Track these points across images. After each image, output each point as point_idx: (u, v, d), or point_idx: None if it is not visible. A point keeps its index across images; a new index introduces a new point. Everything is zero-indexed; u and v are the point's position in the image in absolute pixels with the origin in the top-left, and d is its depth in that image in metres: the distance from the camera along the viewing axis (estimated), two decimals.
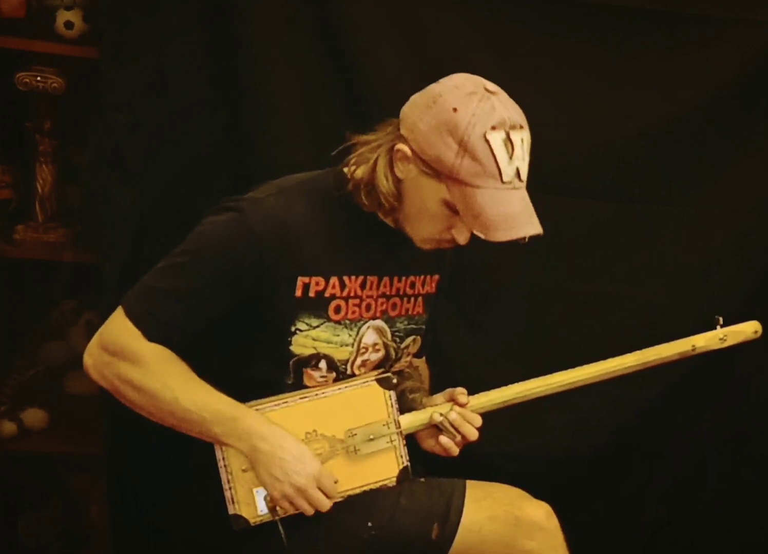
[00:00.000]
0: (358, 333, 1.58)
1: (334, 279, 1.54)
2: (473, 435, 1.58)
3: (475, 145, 1.39)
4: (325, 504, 1.48)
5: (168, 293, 1.49)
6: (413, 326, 1.67)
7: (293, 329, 1.52)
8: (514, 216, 1.43)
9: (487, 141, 1.39)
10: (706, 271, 2.08)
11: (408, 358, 1.70)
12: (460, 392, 1.60)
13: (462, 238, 1.48)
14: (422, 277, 1.67)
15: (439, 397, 1.63)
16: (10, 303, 2.23)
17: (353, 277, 1.56)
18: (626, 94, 1.96)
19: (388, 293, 1.61)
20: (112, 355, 1.48)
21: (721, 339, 1.70)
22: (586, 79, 1.95)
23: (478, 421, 1.59)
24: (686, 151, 2.00)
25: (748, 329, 1.72)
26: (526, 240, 1.44)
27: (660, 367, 1.70)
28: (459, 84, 1.46)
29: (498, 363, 2.03)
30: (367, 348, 1.60)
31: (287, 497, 1.46)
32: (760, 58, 1.94)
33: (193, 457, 1.61)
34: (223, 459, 1.49)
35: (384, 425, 1.56)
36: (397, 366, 1.68)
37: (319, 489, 1.47)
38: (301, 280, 1.51)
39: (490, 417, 1.61)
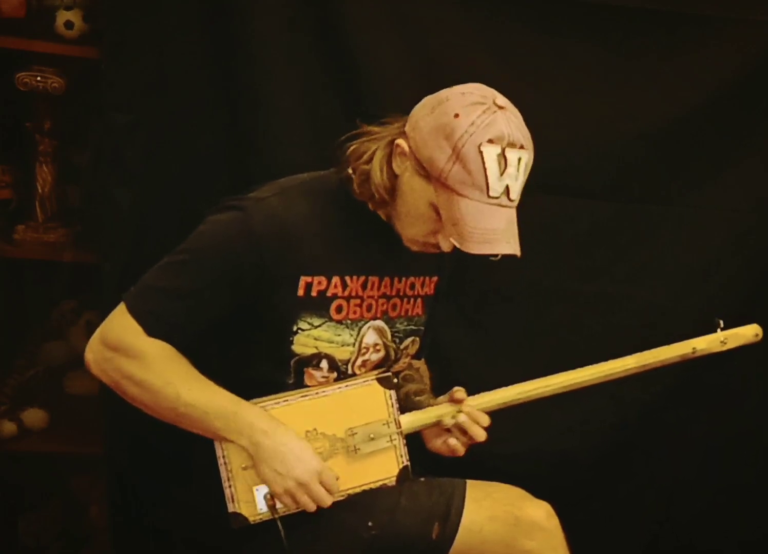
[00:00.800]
0: (359, 333, 1.58)
1: (336, 279, 1.54)
2: (481, 436, 1.58)
3: (467, 153, 1.39)
4: (327, 500, 1.48)
5: (169, 292, 1.49)
6: (412, 327, 1.67)
7: (295, 329, 1.52)
8: (492, 231, 1.42)
9: (480, 152, 1.39)
10: (706, 271, 2.08)
11: (407, 359, 1.71)
12: (457, 389, 1.61)
13: (445, 245, 1.48)
14: (422, 278, 1.67)
15: (442, 399, 1.63)
16: (10, 303, 2.23)
17: (355, 277, 1.56)
18: (626, 94, 1.96)
19: (388, 293, 1.61)
20: (113, 351, 1.48)
21: (721, 342, 1.70)
22: (586, 79, 1.95)
23: (486, 421, 1.59)
24: (686, 151, 2.00)
25: (748, 332, 1.72)
26: (498, 258, 1.43)
27: (660, 367, 1.70)
28: (467, 92, 1.45)
29: (498, 363, 2.03)
30: (368, 349, 1.60)
31: (288, 492, 1.46)
32: (760, 58, 1.94)
33: (193, 457, 1.61)
34: (224, 456, 1.48)
35: (384, 424, 1.56)
36: (396, 367, 1.68)
37: (321, 484, 1.47)
38: (303, 280, 1.51)
39: (490, 417, 1.61)
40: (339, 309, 1.56)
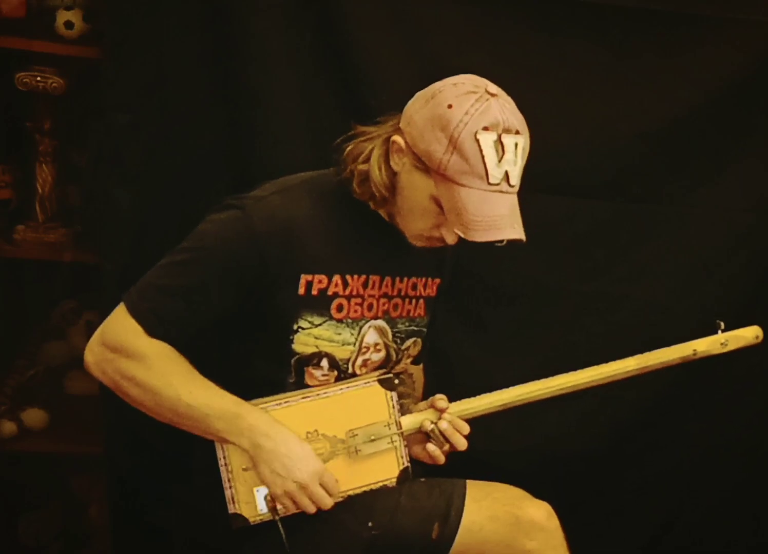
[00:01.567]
0: (359, 332, 1.58)
1: (336, 278, 1.54)
2: (462, 445, 1.57)
3: (464, 142, 1.39)
4: (327, 502, 1.48)
5: (169, 291, 1.49)
6: (414, 328, 1.67)
7: (295, 327, 1.52)
8: (496, 218, 1.42)
9: (477, 140, 1.39)
10: (706, 271, 2.08)
11: (408, 361, 1.70)
12: (439, 398, 1.60)
13: (450, 238, 1.48)
14: (424, 279, 1.67)
15: (422, 405, 1.63)
16: (10, 303, 2.23)
17: (355, 276, 1.56)
18: (626, 94, 1.96)
19: (389, 293, 1.61)
20: (113, 352, 1.48)
21: (722, 343, 1.70)
22: (586, 79, 1.95)
23: (466, 430, 1.58)
24: (686, 151, 2.01)
25: (749, 334, 1.72)
26: (504, 243, 1.43)
27: (660, 370, 1.70)
28: (459, 82, 1.46)
29: (498, 363, 2.03)
30: (368, 348, 1.60)
31: (289, 494, 1.46)
32: (760, 58, 1.95)
33: (193, 457, 1.61)
34: (224, 457, 1.48)
35: (385, 426, 1.56)
36: (397, 368, 1.68)
37: (321, 486, 1.47)
38: (304, 278, 1.51)
39: (490, 417, 1.61)
40: (340, 308, 1.56)
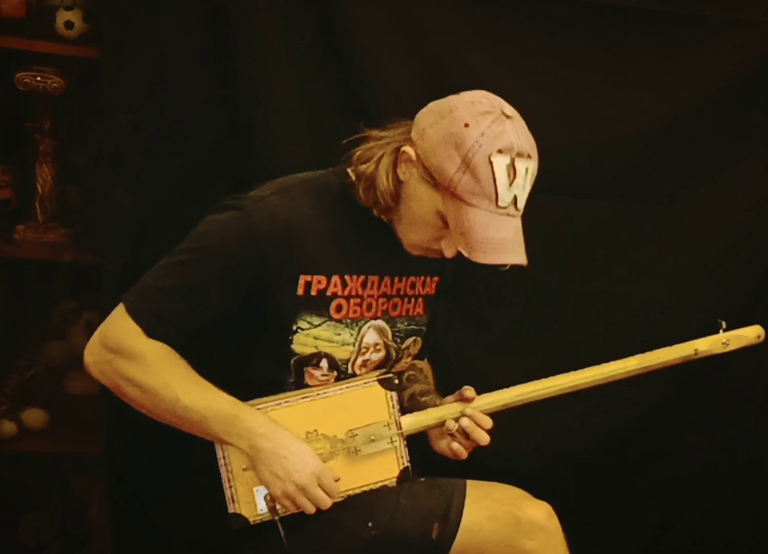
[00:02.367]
0: (359, 332, 1.58)
1: (335, 278, 1.54)
2: (485, 440, 1.58)
3: (478, 163, 1.39)
4: (326, 502, 1.48)
5: (169, 291, 1.48)
6: (414, 327, 1.67)
7: (295, 328, 1.52)
8: (500, 242, 1.43)
9: (490, 163, 1.39)
10: (707, 271, 2.08)
11: (408, 360, 1.70)
12: (467, 388, 1.61)
13: (449, 252, 1.48)
14: (422, 277, 1.67)
15: (449, 399, 1.63)
16: (10, 303, 2.23)
17: (354, 276, 1.56)
18: (626, 94, 1.96)
19: (388, 293, 1.61)
20: (112, 353, 1.47)
21: (723, 343, 1.70)
22: (586, 79, 1.95)
23: (489, 424, 1.58)
24: (686, 151, 2.01)
25: (751, 334, 1.72)
26: (507, 267, 1.44)
27: (661, 370, 1.70)
28: (476, 101, 1.45)
29: (498, 362, 2.03)
30: (368, 348, 1.60)
31: (288, 495, 1.46)
32: (760, 58, 1.95)
33: (193, 457, 1.61)
34: (224, 458, 1.48)
35: (385, 426, 1.56)
36: (397, 367, 1.68)
37: (320, 487, 1.47)
38: (303, 279, 1.51)
39: (490, 417, 1.61)
40: (339, 309, 1.56)
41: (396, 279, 1.62)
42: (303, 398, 1.53)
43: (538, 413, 1.74)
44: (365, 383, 1.57)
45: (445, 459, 1.63)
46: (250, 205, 1.50)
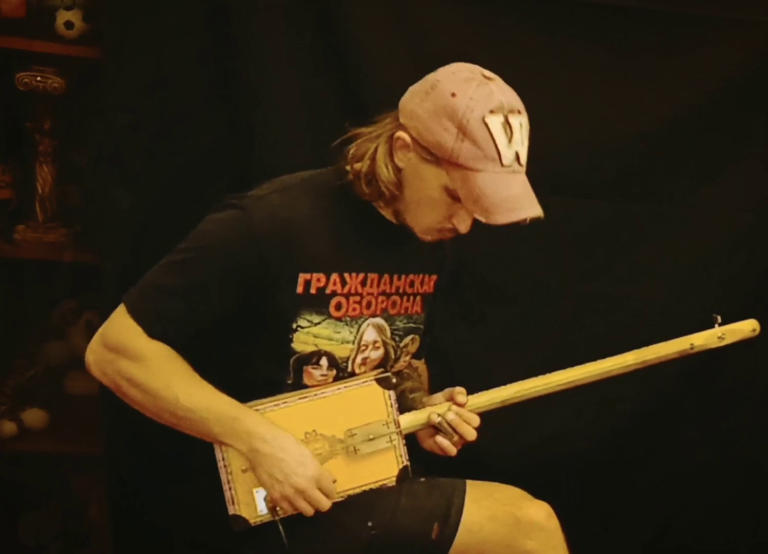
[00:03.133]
0: (358, 330, 1.58)
1: (335, 276, 1.54)
2: (471, 435, 1.58)
3: (473, 128, 1.40)
4: (325, 505, 1.48)
5: (170, 290, 1.48)
6: (412, 325, 1.67)
7: (294, 326, 1.52)
8: (514, 199, 1.43)
9: (485, 124, 1.40)
10: (706, 271, 2.09)
11: (407, 358, 1.70)
12: (459, 391, 1.60)
13: (463, 226, 1.49)
14: (421, 276, 1.67)
15: (438, 397, 1.63)
16: (10, 303, 2.23)
17: (354, 274, 1.56)
18: (626, 94, 1.96)
19: (388, 291, 1.61)
20: (113, 352, 1.47)
21: (719, 337, 1.70)
22: (586, 79, 1.95)
23: (476, 421, 1.59)
24: (686, 151, 2.01)
25: (746, 327, 1.72)
26: (528, 222, 1.43)
27: (659, 365, 1.70)
28: (456, 70, 1.47)
29: (498, 361, 2.03)
30: (367, 346, 1.60)
31: (287, 498, 1.46)
32: (760, 58, 1.95)
33: (193, 457, 1.61)
34: (223, 459, 1.48)
35: (384, 425, 1.56)
36: (396, 367, 1.68)
37: (319, 489, 1.47)
38: (302, 277, 1.51)
39: (490, 416, 1.61)
40: (338, 307, 1.56)
41: (395, 277, 1.62)
42: (301, 399, 1.53)
43: (536, 411, 1.75)
44: (363, 382, 1.57)
45: (445, 459, 1.63)
46: (251, 204, 1.50)
